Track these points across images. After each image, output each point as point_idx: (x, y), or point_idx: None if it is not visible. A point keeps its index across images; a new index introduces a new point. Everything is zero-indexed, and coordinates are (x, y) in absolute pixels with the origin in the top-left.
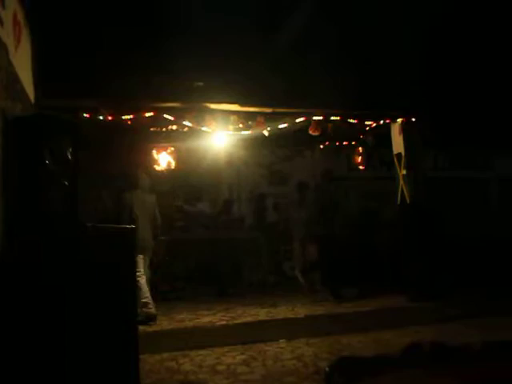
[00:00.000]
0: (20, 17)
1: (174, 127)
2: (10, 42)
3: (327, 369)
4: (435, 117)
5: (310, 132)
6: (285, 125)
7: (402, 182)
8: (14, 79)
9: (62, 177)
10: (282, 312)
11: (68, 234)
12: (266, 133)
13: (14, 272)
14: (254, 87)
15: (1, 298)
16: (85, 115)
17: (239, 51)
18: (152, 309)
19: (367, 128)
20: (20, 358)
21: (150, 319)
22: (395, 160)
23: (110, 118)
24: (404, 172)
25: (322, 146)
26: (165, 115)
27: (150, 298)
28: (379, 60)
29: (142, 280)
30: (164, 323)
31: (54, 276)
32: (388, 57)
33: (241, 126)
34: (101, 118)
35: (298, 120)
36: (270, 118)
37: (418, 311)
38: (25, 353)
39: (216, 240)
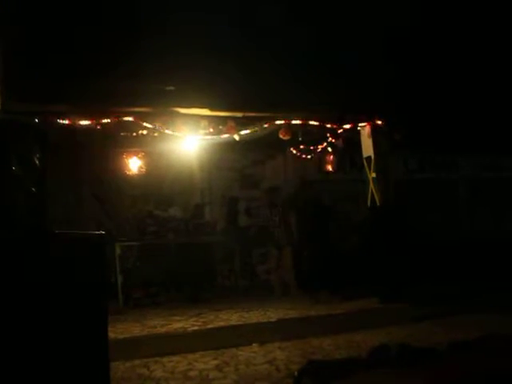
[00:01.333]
0: None
1: (145, 132)
2: None
3: (296, 373)
4: (404, 120)
5: (281, 136)
6: (256, 129)
7: (372, 184)
8: None
9: (30, 183)
10: (255, 316)
11: (34, 241)
12: (236, 137)
13: None
14: (224, 91)
15: None
16: (53, 120)
17: (210, 55)
18: None
19: (338, 131)
20: None
21: None
22: (365, 163)
23: (78, 122)
24: (374, 175)
25: (293, 150)
26: (135, 120)
27: None
28: (349, 64)
29: None
30: (136, 330)
31: (19, 283)
32: (358, 61)
33: (211, 130)
34: (69, 122)
35: (268, 124)
36: (241, 123)
37: (388, 312)
38: None
39: (188, 245)
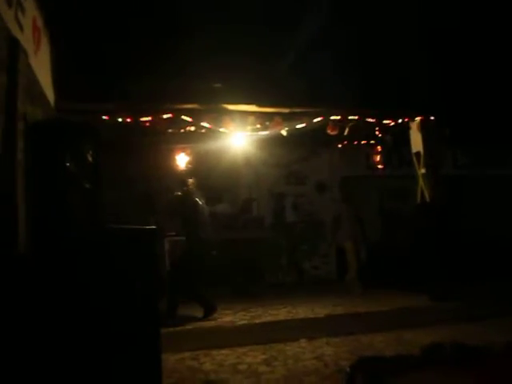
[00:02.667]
0: (39, 23)
1: (192, 128)
2: (29, 47)
3: (348, 369)
4: (454, 114)
5: (328, 131)
6: (303, 125)
7: (421, 180)
8: (34, 84)
9: (84, 180)
10: (302, 312)
11: (91, 236)
12: (283, 133)
13: (36, 276)
14: (271, 88)
15: (22, 303)
16: (104, 118)
17: (257, 52)
18: None
19: (386, 127)
20: (43, 359)
21: None
22: (414, 159)
23: (128, 120)
24: (423, 170)
25: (340, 146)
26: (183, 117)
27: None
28: (398, 59)
29: None
30: (185, 323)
31: (77, 278)
32: (406, 56)
33: (258, 126)
34: (119, 120)
35: (315, 120)
36: (288, 118)
37: (439, 311)
38: (49, 354)
39: (236, 240)
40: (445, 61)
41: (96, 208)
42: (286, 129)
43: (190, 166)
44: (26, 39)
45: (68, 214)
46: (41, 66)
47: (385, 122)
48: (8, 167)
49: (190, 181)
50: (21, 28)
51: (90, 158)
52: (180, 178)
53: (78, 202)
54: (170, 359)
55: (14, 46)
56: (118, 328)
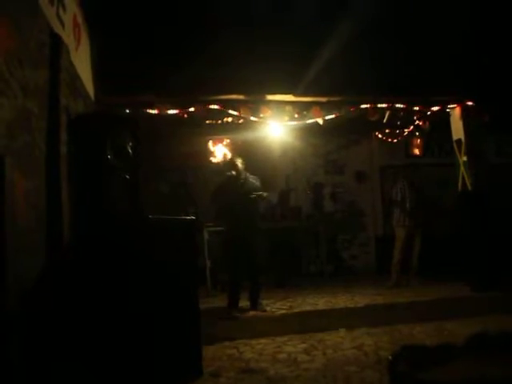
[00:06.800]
0: (79, 18)
1: (230, 119)
2: (70, 42)
3: (390, 357)
4: (497, 100)
5: (369, 117)
6: (341, 113)
7: (462, 169)
8: (76, 78)
9: (124, 170)
10: (342, 301)
11: (131, 226)
12: (320, 121)
13: (79, 266)
14: (308, 77)
15: (64, 294)
16: (142, 110)
17: (294, 41)
18: None
19: (426, 114)
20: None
21: None
22: (455, 146)
23: (166, 112)
24: (464, 158)
25: (378, 134)
26: (221, 108)
27: None
28: (435, 43)
29: None
30: (224, 312)
31: (118, 268)
32: (444, 39)
33: (296, 116)
34: (158, 112)
35: (352, 109)
36: (326, 108)
37: (481, 302)
38: (89, 348)
39: (274, 230)
40: (488, 44)
41: (136, 198)
42: (325, 118)
43: (226, 156)
44: (67, 35)
45: (109, 204)
46: (81, 60)
47: (424, 109)
48: (52, 159)
49: (239, 161)
50: (62, 25)
51: (129, 150)
52: (228, 160)
53: (118, 193)
54: (210, 348)
55: (57, 42)
56: (158, 317)
